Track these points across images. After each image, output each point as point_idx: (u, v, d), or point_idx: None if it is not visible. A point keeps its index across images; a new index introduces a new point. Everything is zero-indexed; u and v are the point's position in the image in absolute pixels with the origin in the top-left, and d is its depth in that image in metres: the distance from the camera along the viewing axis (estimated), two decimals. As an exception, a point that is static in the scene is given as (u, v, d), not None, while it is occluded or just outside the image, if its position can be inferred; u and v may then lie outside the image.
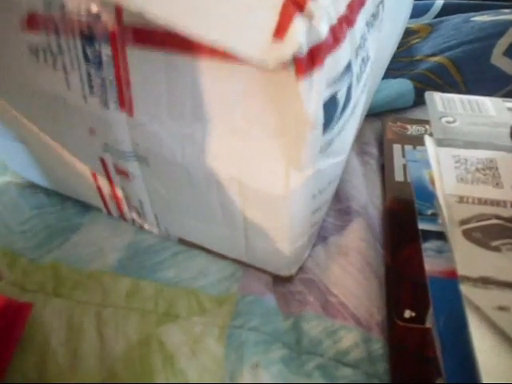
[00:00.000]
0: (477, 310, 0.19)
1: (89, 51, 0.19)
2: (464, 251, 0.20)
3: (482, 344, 0.18)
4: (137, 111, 0.21)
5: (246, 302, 0.26)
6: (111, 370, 0.24)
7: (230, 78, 0.18)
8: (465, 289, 0.19)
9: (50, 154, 0.28)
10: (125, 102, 0.21)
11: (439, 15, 0.45)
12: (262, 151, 0.20)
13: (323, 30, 0.17)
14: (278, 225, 0.23)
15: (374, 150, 0.37)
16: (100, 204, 0.31)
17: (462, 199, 0.23)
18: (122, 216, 0.31)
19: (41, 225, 0.32)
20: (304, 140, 0.19)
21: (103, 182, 0.28)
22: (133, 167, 0.25)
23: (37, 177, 0.34)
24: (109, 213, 0.31)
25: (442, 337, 0.22)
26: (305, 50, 0.16)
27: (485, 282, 0.19)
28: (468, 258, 0.20)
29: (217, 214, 0.25)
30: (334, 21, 0.17)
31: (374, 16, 0.22)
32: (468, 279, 0.19)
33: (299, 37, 0.16)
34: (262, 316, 0.25)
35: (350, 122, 0.23)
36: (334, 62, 0.18)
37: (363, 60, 0.21)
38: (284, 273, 0.27)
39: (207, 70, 0.18)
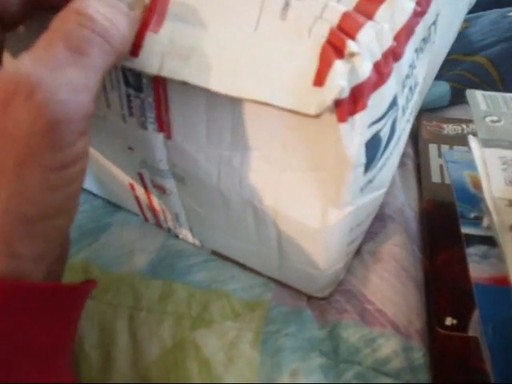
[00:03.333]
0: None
1: (129, 74, 0.19)
2: (517, 258, 0.19)
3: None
4: (175, 134, 0.21)
5: (279, 310, 0.25)
6: (145, 375, 0.24)
7: (269, 113, 0.17)
8: (520, 298, 0.18)
9: (92, 160, 0.28)
10: (163, 125, 0.21)
11: (474, 9, 0.44)
12: (298, 183, 0.20)
13: (366, 70, 0.16)
14: (313, 253, 0.23)
15: (410, 150, 0.36)
16: (138, 211, 0.31)
17: (511, 203, 0.22)
18: (158, 224, 0.30)
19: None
20: (344, 179, 0.18)
21: (141, 193, 0.28)
22: (169, 184, 0.25)
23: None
24: (146, 219, 0.31)
25: (491, 346, 0.21)
26: (346, 93, 0.15)
27: (541, 290, 0.18)
28: (522, 266, 0.19)
29: (251, 234, 0.24)
30: (379, 56, 0.16)
31: (425, 40, 0.21)
32: (523, 288, 0.18)
33: (339, 82, 0.15)
34: (296, 323, 0.25)
35: (394, 154, 0.22)
36: (378, 100, 0.17)
37: (410, 89, 0.20)
38: (318, 295, 0.27)
39: (247, 104, 0.18)
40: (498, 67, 0.38)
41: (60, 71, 0.14)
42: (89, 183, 0.32)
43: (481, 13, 0.45)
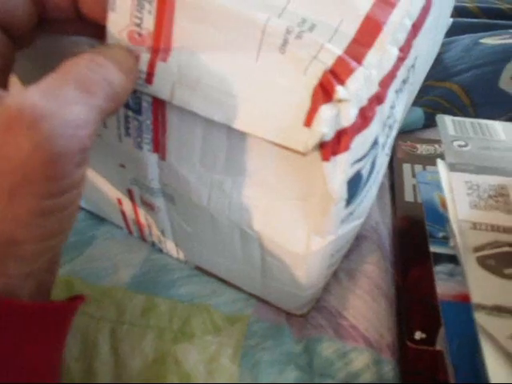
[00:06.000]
0: (491, 338, 0.19)
1: (130, 97, 0.20)
2: (478, 279, 0.21)
3: (497, 373, 0.18)
4: (169, 155, 0.22)
5: (259, 325, 0.26)
6: (126, 388, 0.24)
7: (263, 143, 0.18)
8: (479, 317, 0.20)
9: None
10: (159, 146, 0.21)
11: (448, 34, 0.46)
12: (286, 211, 0.21)
13: (351, 115, 0.17)
14: (295, 276, 0.24)
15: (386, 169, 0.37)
16: (122, 224, 0.31)
17: (475, 226, 0.23)
18: (142, 237, 0.31)
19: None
20: (327, 212, 0.19)
21: (128, 208, 0.28)
22: (159, 202, 0.25)
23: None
24: (130, 232, 0.32)
25: (455, 361, 0.22)
26: (329, 137, 0.16)
27: (499, 310, 0.20)
28: (482, 286, 0.21)
29: (237, 254, 0.25)
30: (365, 102, 0.17)
31: (405, 81, 0.21)
32: (482, 307, 0.20)
33: (324, 126, 0.16)
34: (275, 338, 0.26)
35: (373, 187, 0.23)
36: (361, 142, 0.18)
37: (390, 127, 0.21)
38: (297, 312, 0.28)
39: (243, 133, 0.19)
40: (469, 93, 0.40)
41: (67, 107, 0.15)
42: None
43: (454, 38, 0.47)
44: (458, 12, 0.52)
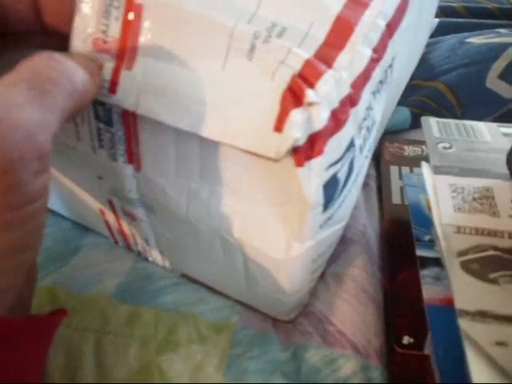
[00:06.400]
0: (475, 344, 0.19)
1: (100, 109, 0.19)
2: (462, 284, 0.21)
3: (480, 379, 0.18)
4: (144, 166, 0.21)
5: (245, 333, 0.26)
6: (110, 399, 0.24)
7: (236, 150, 0.18)
8: (463, 323, 0.19)
9: (61, 185, 0.29)
10: (133, 157, 0.21)
11: (434, 34, 0.46)
12: (264, 217, 0.20)
13: (323, 118, 0.16)
14: (278, 281, 0.23)
15: (373, 171, 0.37)
16: (107, 234, 0.31)
17: (459, 229, 0.23)
18: (128, 246, 0.31)
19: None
20: (304, 217, 0.19)
21: (111, 218, 0.28)
22: (139, 212, 0.25)
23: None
24: (115, 242, 0.31)
25: (441, 366, 0.22)
26: (302, 141, 0.16)
27: (483, 315, 0.20)
28: (466, 291, 0.20)
29: (219, 260, 0.25)
30: (336, 104, 0.17)
31: (382, 82, 0.21)
32: (466, 313, 0.20)
33: (296, 130, 0.16)
34: (261, 346, 0.25)
35: (352, 190, 0.23)
36: (335, 145, 0.18)
37: (368, 129, 0.21)
38: (284, 318, 0.27)
39: (215, 142, 0.18)
40: (455, 93, 0.40)
41: (17, 111, 0.14)
42: (57, 205, 0.32)
43: (440, 37, 0.47)
44: (444, 12, 0.52)
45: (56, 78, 0.15)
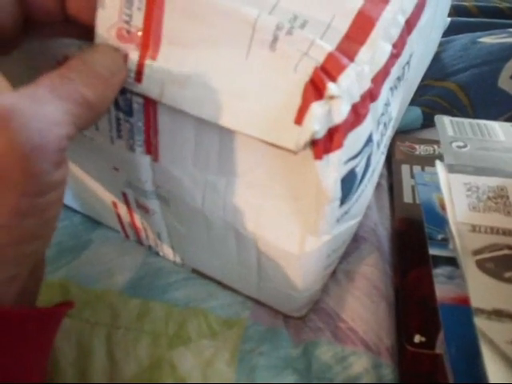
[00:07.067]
0: (491, 343, 0.19)
1: (120, 99, 0.19)
2: (477, 283, 0.21)
3: (496, 377, 0.18)
4: (162, 157, 0.21)
5: (256, 329, 0.26)
6: (121, 393, 0.24)
7: (255, 142, 0.18)
8: (479, 321, 0.19)
9: (74, 177, 0.29)
10: (151, 148, 0.21)
11: (446, 33, 0.46)
12: (280, 211, 0.20)
13: (343, 112, 0.16)
14: (291, 277, 0.23)
15: (384, 170, 0.37)
16: (118, 228, 0.31)
17: (474, 228, 0.23)
18: (139, 241, 0.31)
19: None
20: (321, 211, 0.19)
21: (123, 211, 0.28)
22: (153, 205, 0.25)
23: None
24: (126, 236, 0.31)
25: (454, 365, 0.22)
26: (321, 134, 0.16)
27: (498, 314, 0.19)
28: (482, 290, 0.20)
29: (232, 255, 0.25)
30: (357, 99, 0.17)
31: (399, 78, 0.21)
32: (482, 312, 0.19)
33: (315, 123, 0.16)
34: (272, 341, 0.25)
35: (368, 186, 0.23)
36: (355, 139, 0.18)
37: (385, 125, 0.21)
38: (295, 314, 0.27)
39: (235, 132, 0.18)
40: (467, 93, 0.40)
41: (39, 105, 0.15)
42: (68, 199, 0.32)
43: (453, 37, 0.46)
44: (456, 11, 0.52)
45: (70, 90, 0.16)
